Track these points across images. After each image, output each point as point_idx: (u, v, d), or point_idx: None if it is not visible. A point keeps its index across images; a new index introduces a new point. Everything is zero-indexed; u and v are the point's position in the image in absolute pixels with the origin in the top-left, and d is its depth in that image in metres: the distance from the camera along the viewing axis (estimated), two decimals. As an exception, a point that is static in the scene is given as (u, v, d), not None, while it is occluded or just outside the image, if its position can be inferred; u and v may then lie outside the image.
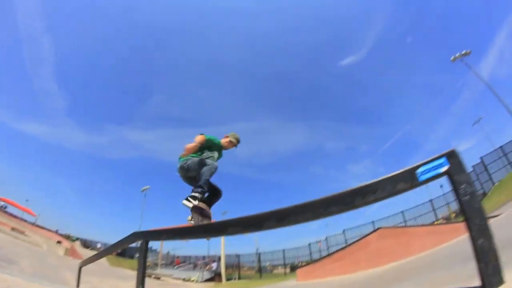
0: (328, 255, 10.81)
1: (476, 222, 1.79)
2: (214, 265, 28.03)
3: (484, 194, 22.24)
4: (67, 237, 32.79)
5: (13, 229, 18.42)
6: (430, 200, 26.53)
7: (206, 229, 3.41)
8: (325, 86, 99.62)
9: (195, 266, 31.11)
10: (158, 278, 20.25)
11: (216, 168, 3.84)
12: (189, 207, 3.69)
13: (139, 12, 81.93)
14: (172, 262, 34.47)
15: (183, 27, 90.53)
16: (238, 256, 31.62)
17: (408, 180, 1.99)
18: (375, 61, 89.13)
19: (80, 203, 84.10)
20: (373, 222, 27.57)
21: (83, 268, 5.43)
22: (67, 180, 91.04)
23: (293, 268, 24.39)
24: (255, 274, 29.63)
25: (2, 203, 29.84)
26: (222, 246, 27.81)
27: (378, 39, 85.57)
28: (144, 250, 3.56)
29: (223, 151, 4.38)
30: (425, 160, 1.95)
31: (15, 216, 28.98)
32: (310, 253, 28.67)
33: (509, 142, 22.75)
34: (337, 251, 10.39)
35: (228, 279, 25.96)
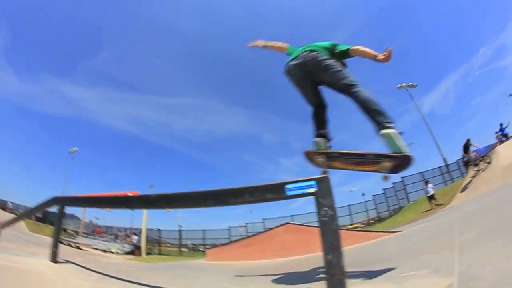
0: (238, 240, 11.37)
1: (329, 240, 2.04)
2: (135, 238, 27.32)
3: (400, 208, 26.19)
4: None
5: None
6: (348, 206, 29.12)
7: (125, 201, 3.52)
8: (276, 81, 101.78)
9: (116, 238, 30.00)
10: (79, 248, 19.92)
11: None
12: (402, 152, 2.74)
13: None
14: (94, 231, 32.96)
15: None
16: (159, 231, 31.30)
17: (276, 192, 2.23)
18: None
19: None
20: (292, 216, 29.42)
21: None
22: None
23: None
24: (176, 251, 29.70)
25: None
26: (144, 220, 27.23)
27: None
28: (60, 215, 3.61)
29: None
30: (297, 179, 2.17)
31: None
32: (230, 237, 29.40)
33: (428, 170, 27.99)
34: (246, 237, 11.04)
35: (147, 254, 25.88)
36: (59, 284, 2.47)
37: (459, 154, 26.33)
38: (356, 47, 3.23)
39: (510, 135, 19.42)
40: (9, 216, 19.20)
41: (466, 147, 16.52)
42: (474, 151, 16.14)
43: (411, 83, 33.89)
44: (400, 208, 26.47)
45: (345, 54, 3.31)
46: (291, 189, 2.15)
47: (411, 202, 25.66)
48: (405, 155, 2.73)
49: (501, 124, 20.49)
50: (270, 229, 10.63)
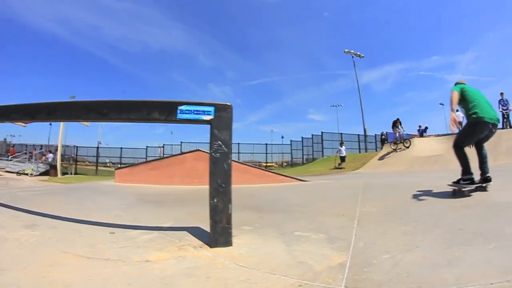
0: (146, 162, 10.89)
1: (217, 180, 1.65)
2: (50, 156, 24.66)
3: (313, 159, 27.80)
4: None
5: None
6: (266, 144, 30.38)
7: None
8: (229, 6, 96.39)
9: (31, 157, 26.71)
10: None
11: None
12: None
13: None
14: (8, 151, 28.73)
15: None
16: (76, 148, 28.86)
17: (166, 112, 1.66)
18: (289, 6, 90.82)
19: None
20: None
21: None
22: None
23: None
24: (93, 170, 28.05)
25: None
26: (60, 136, 24.62)
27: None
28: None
29: None
30: (193, 101, 1.60)
31: None
32: (146, 157, 28.53)
33: (348, 133, 30.59)
34: (154, 160, 10.50)
35: (64, 174, 24.06)
36: None
37: (378, 131, 29.89)
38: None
39: (426, 135, 22.18)
40: None
41: (394, 124, 17.75)
42: (401, 132, 17.44)
43: (359, 52, 34.54)
44: (314, 159, 27.93)
45: None
46: (183, 112, 1.58)
47: (324, 157, 27.09)
48: None
49: (420, 126, 23.55)
50: (181, 154, 10.40)
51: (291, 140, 30.77)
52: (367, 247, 1.82)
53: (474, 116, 3.48)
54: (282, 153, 30.71)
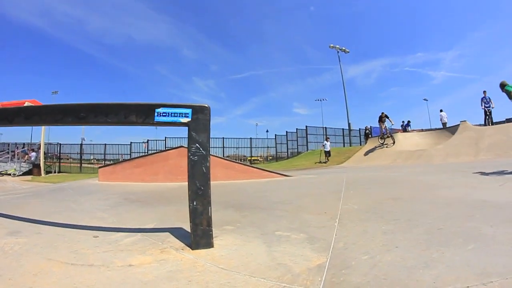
0: (129, 159, 10.76)
1: (196, 184, 1.63)
2: (33, 155, 23.90)
3: (298, 153, 28.29)
4: None
5: None
6: (251, 138, 30.49)
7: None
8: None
9: (13, 156, 25.75)
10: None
11: None
12: None
13: None
14: None
15: None
16: (60, 145, 28.08)
17: (144, 115, 1.63)
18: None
19: None
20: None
21: None
22: None
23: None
24: (76, 168, 27.40)
25: None
26: (42, 134, 23.87)
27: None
28: None
29: None
30: (171, 103, 1.58)
31: None
32: (131, 153, 28.09)
33: (333, 128, 31.48)
34: (138, 157, 10.39)
35: (47, 172, 23.63)
36: None
37: (363, 125, 30.63)
38: None
39: (409, 130, 22.72)
40: None
41: (381, 119, 17.78)
42: (387, 126, 17.48)
43: (344, 48, 34.75)
44: (298, 153, 28.42)
45: None
46: (161, 114, 1.56)
47: (309, 151, 27.76)
48: None
49: (403, 122, 23.92)
50: (164, 150, 10.26)
51: (275, 134, 30.80)
52: (346, 247, 1.84)
53: None
54: (267, 147, 30.75)
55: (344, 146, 29.23)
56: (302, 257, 1.71)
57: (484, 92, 15.61)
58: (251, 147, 29.92)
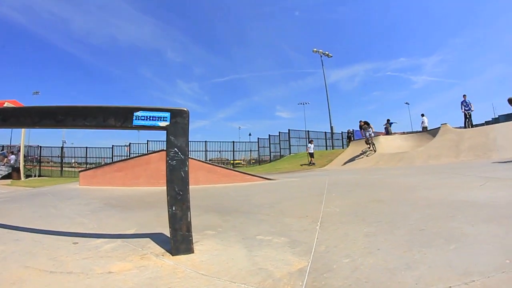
0: (110, 163, 10.60)
1: (174, 188, 1.60)
2: (12, 158, 22.98)
3: (281, 156, 28.49)
4: None
5: None
6: (233, 142, 30.56)
7: None
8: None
9: None
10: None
11: None
12: None
13: None
14: None
15: None
16: (40, 148, 27.17)
17: (122, 118, 1.60)
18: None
19: None
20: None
21: None
22: None
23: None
24: (58, 171, 26.55)
25: None
26: (22, 136, 23.01)
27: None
28: None
29: None
30: (149, 106, 1.55)
31: None
32: (112, 156, 27.53)
33: (315, 131, 31.83)
34: (120, 161, 10.42)
35: (27, 176, 22.82)
36: None
37: (345, 128, 31.81)
38: None
39: (392, 132, 22.77)
40: None
41: (361, 127, 17.91)
42: (370, 133, 17.58)
43: (327, 52, 35.14)
44: (281, 156, 28.58)
45: None
46: (139, 118, 1.53)
47: (291, 154, 28.02)
48: None
49: (388, 120, 23.58)
50: (146, 154, 10.22)
51: (258, 138, 31.02)
52: (328, 250, 1.84)
53: None
54: (250, 150, 30.80)
55: (326, 149, 29.65)
56: (283, 262, 1.70)
57: (464, 96, 16.12)
58: (233, 151, 29.90)
